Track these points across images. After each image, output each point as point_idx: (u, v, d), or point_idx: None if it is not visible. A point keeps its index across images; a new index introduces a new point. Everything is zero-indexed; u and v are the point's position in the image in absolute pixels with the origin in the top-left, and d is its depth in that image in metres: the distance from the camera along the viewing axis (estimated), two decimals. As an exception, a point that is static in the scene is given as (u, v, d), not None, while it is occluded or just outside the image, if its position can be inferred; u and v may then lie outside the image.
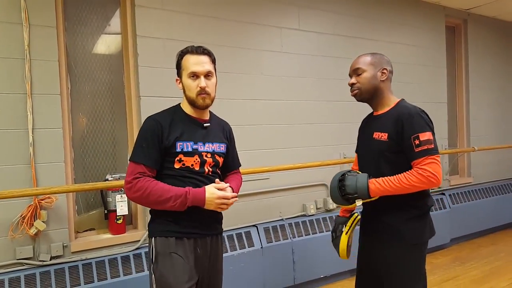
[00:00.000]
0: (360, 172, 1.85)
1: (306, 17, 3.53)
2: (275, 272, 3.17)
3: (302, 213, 3.48)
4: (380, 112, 1.90)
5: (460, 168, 5.05)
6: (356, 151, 2.12)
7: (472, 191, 4.82)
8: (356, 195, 1.73)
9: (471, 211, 4.66)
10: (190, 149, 1.69)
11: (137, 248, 2.64)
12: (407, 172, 1.69)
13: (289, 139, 3.42)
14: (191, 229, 1.69)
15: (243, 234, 3.10)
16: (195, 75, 1.69)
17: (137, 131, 2.72)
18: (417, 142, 1.68)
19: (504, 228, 5.17)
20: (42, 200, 2.36)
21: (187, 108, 1.77)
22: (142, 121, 2.72)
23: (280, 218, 3.34)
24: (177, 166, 1.68)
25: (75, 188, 2.46)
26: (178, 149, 1.67)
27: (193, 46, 1.73)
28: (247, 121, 3.15)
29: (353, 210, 2.05)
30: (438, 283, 3.48)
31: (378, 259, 1.86)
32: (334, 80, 3.70)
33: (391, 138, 1.76)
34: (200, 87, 1.67)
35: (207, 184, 1.71)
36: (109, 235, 2.62)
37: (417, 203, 1.79)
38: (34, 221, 2.32)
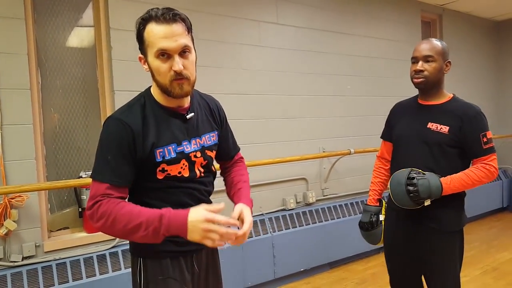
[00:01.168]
0: (421, 171, 1.78)
1: (284, 10, 3.51)
2: (256, 267, 3.16)
3: (282, 207, 3.48)
4: (433, 102, 1.89)
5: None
6: (389, 139, 2.06)
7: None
8: (426, 197, 1.72)
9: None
10: (173, 155, 1.27)
11: (113, 247, 2.58)
12: (473, 168, 1.77)
13: (268, 133, 3.40)
14: (189, 246, 1.30)
15: (223, 230, 3.07)
16: (165, 54, 1.20)
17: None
18: (485, 140, 1.76)
19: (480, 217, 5.34)
20: (12, 198, 2.27)
21: (159, 97, 1.30)
22: None
23: (260, 213, 3.33)
24: (160, 177, 1.28)
25: (47, 186, 2.38)
26: (159, 158, 1.25)
27: (158, 9, 1.23)
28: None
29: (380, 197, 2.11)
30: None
31: (422, 246, 1.88)
32: (313, 74, 3.71)
33: (452, 133, 1.78)
34: (175, 71, 1.20)
35: (200, 191, 1.36)
36: (84, 234, 2.55)
37: (457, 193, 1.82)
38: (4, 220, 2.23)
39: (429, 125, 1.83)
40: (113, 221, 1.14)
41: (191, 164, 1.33)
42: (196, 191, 1.35)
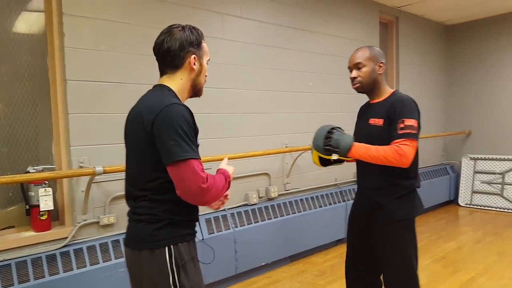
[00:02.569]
0: (343, 131, 1.97)
1: (248, 4, 3.46)
2: (217, 263, 3.10)
3: (245, 202, 3.45)
4: (377, 100, 2.05)
5: (390, 157, 5.33)
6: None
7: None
8: (337, 149, 1.89)
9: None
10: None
11: (64, 246, 2.42)
12: (385, 146, 1.86)
13: (231, 128, 3.35)
14: (195, 229, 1.48)
15: (183, 226, 2.99)
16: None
17: (63, 118, 2.53)
18: (401, 125, 1.84)
19: (430, 210, 5.61)
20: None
21: (184, 93, 1.49)
22: (69, 107, 2.53)
23: (222, 209, 3.28)
24: None
25: (-10, 181, 2.18)
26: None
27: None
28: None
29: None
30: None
31: (372, 236, 2.04)
32: (276, 70, 3.69)
33: (385, 123, 1.93)
34: (206, 76, 1.56)
35: None
36: (31, 233, 2.36)
37: (404, 183, 1.97)
38: None
39: (370, 121, 2.02)
40: (217, 186, 1.34)
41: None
42: None
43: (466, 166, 5.87)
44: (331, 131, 1.94)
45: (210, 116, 3.20)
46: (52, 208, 2.37)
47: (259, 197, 3.54)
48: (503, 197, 5.47)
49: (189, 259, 1.39)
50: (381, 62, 2.03)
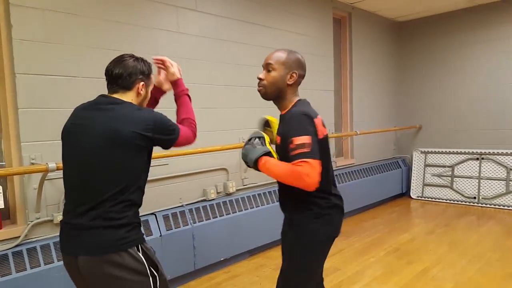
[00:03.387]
0: (265, 142, 1.74)
1: (204, -2, 3.46)
2: (175, 259, 3.10)
3: (203, 198, 3.46)
4: (282, 112, 1.85)
5: (345, 151, 5.54)
6: None
7: (355, 171, 5.33)
8: (246, 162, 1.75)
9: (354, 189, 5.15)
10: None
11: (17, 245, 2.34)
12: (290, 164, 1.59)
13: (188, 123, 3.34)
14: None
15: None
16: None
17: (13, 112, 2.43)
18: (292, 146, 1.59)
19: (383, 203, 5.84)
20: None
21: None
22: (18, 101, 2.43)
23: (180, 205, 3.28)
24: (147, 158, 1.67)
25: None
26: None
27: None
28: (143, 104, 3.00)
29: None
30: (327, 257, 3.77)
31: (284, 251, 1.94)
32: (232, 64, 3.72)
33: (282, 142, 1.72)
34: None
35: None
36: (-20, 233, 2.28)
37: (318, 201, 1.74)
38: None
39: (277, 138, 1.79)
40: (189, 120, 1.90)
41: None
42: None
43: (417, 160, 6.17)
44: (248, 141, 1.77)
45: (167, 111, 3.18)
46: (3, 206, 2.28)
47: (217, 193, 3.57)
48: (453, 189, 5.77)
49: (152, 255, 1.59)
50: (294, 72, 1.78)
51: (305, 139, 1.58)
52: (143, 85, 1.67)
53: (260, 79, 1.82)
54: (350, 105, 5.44)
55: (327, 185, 1.75)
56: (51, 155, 2.48)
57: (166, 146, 1.70)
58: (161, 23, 3.16)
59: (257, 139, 1.74)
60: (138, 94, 1.67)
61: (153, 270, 1.53)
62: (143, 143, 1.55)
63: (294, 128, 1.62)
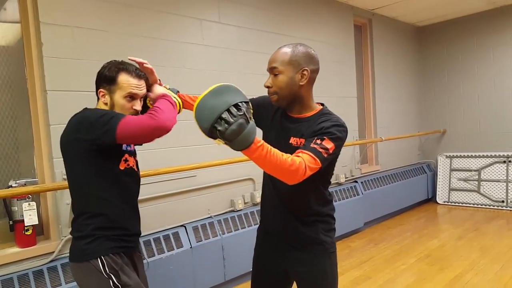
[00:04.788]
0: (250, 112, 1.33)
1: (226, 9, 3.48)
2: (206, 270, 3.08)
3: (230, 208, 3.44)
4: (299, 116, 1.60)
5: (369, 158, 5.46)
6: None
7: (380, 178, 5.24)
8: (229, 141, 1.26)
9: (380, 195, 5.06)
10: (131, 149, 1.66)
11: (51, 261, 2.35)
12: (286, 154, 1.38)
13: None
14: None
15: (171, 236, 2.95)
16: (132, 97, 1.60)
17: (44, 129, 2.46)
18: (318, 141, 1.43)
19: (409, 209, 5.73)
20: None
21: None
22: (50, 118, 2.46)
23: (208, 216, 3.26)
24: (122, 167, 1.59)
25: (-30, 198, 2.10)
26: (124, 148, 1.62)
27: (132, 66, 1.62)
28: (169, 116, 3.01)
29: None
30: (358, 265, 3.71)
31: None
32: (256, 74, 3.71)
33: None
34: (135, 110, 1.60)
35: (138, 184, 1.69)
36: (16, 249, 2.28)
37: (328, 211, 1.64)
38: None
39: (292, 140, 1.57)
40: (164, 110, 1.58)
41: (136, 161, 1.71)
42: (137, 186, 1.71)
43: (442, 164, 6.04)
44: (230, 109, 1.25)
45: (193, 123, 3.19)
46: (36, 222, 2.30)
47: (245, 203, 3.54)
48: (480, 193, 5.64)
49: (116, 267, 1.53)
50: (305, 70, 1.52)
51: (332, 147, 1.45)
52: (102, 93, 1.60)
53: (267, 87, 1.57)
54: (373, 111, 5.37)
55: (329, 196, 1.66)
56: (83, 170, 2.49)
57: (108, 140, 1.44)
58: (187, 36, 3.18)
59: (243, 106, 1.29)
60: (104, 103, 1.61)
61: (116, 282, 1.48)
62: (80, 147, 1.49)
63: (332, 132, 1.47)
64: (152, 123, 1.45)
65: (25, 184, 2.32)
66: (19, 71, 2.46)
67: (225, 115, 1.24)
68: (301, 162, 1.36)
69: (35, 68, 2.44)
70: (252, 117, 1.31)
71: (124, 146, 1.61)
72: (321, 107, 1.63)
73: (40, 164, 2.47)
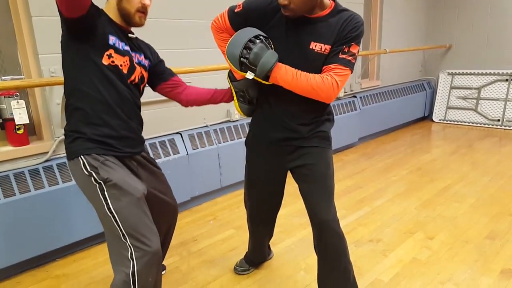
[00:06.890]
0: (269, 41, 1.50)
1: None
2: (203, 177, 3.12)
3: (227, 119, 3.38)
4: (313, 16, 1.50)
5: (370, 72, 5.30)
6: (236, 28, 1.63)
7: (379, 94, 5.15)
8: (253, 68, 1.45)
9: (377, 111, 5.01)
10: (122, 48, 1.53)
11: (46, 161, 2.32)
12: (315, 74, 1.48)
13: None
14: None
15: (167, 142, 2.92)
16: None
17: (26, 22, 2.23)
18: (346, 49, 1.47)
19: (404, 126, 5.75)
20: None
21: (114, 16, 1.56)
22: (31, 8, 2.19)
23: (204, 125, 3.20)
24: (105, 62, 1.48)
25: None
26: (111, 42, 1.49)
27: None
28: (171, 15, 2.79)
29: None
30: (350, 175, 3.79)
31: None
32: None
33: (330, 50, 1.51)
34: (144, 4, 1.53)
35: (132, 94, 1.59)
36: (9, 147, 2.23)
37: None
38: None
39: (312, 45, 1.50)
40: None
41: (132, 67, 1.57)
42: (129, 95, 1.57)
43: (443, 82, 5.92)
44: (253, 39, 1.45)
45: (189, 24, 2.97)
46: (27, 121, 2.22)
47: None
48: (477, 112, 5.61)
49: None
50: None
51: (358, 50, 1.52)
52: None
53: (284, 6, 1.43)
54: (379, 20, 5.06)
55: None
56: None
57: (60, 12, 1.43)
58: None
59: (263, 39, 1.48)
60: None
61: (97, 178, 1.47)
62: (64, 31, 1.49)
63: (358, 35, 1.50)
64: None
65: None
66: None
67: (248, 44, 1.45)
68: (332, 78, 1.46)
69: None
70: (272, 47, 1.50)
71: (111, 41, 1.50)
72: (333, 2, 1.55)
73: (25, 61, 2.30)
